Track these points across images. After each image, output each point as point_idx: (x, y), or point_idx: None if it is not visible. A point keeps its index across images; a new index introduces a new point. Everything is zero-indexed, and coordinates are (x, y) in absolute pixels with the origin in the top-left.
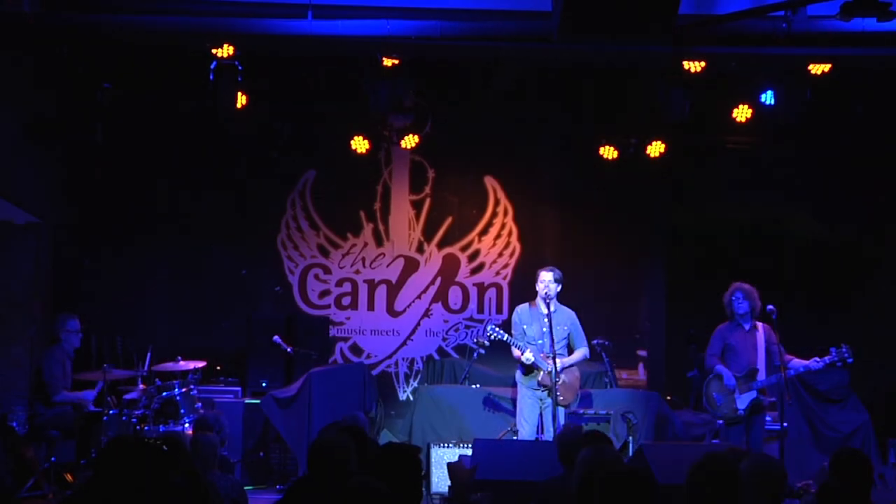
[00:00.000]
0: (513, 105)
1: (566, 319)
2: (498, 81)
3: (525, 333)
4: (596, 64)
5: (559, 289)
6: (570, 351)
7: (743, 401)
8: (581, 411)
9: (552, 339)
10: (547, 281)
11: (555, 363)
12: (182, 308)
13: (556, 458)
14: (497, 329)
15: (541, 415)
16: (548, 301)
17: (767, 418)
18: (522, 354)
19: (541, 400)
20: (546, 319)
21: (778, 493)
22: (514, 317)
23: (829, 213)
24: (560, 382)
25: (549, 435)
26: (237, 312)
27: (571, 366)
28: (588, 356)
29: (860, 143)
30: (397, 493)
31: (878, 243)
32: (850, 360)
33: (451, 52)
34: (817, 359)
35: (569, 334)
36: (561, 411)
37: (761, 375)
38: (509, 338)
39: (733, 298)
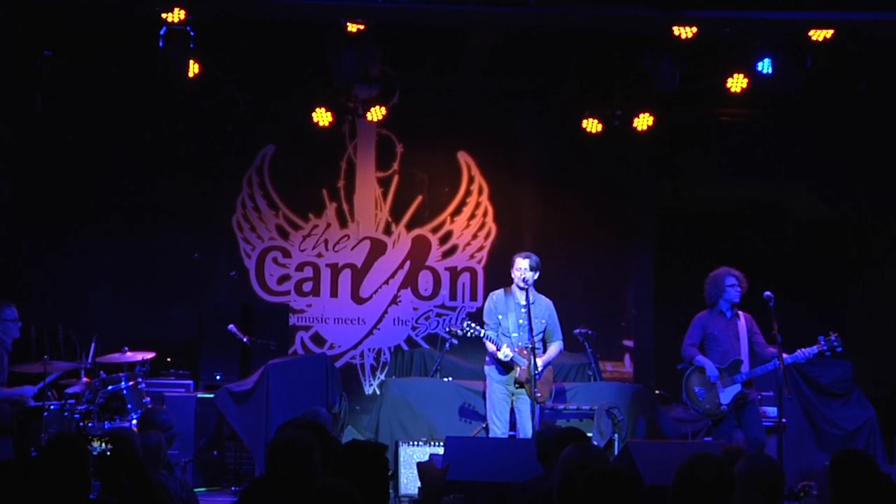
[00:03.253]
0: (488, 75)
1: (544, 311)
2: (472, 49)
3: (500, 324)
4: (577, 30)
5: (536, 276)
6: (545, 343)
7: (727, 395)
8: (562, 407)
9: (531, 332)
10: (523, 268)
11: (534, 358)
12: (129, 295)
13: (534, 458)
14: (473, 325)
15: (513, 410)
16: (525, 290)
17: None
18: (499, 350)
19: (512, 394)
20: (524, 310)
21: (776, 495)
22: (489, 303)
23: (832, 191)
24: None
25: (524, 433)
26: (189, 299)
27: (549, 363)
28: (563, 350)
29: (864, 115)
30: (362, 496)
31: (884, 225)
32: (839, 349)
33: (421, 17)
34: (803, 350)
35: (546, 327)
36: (537, 409)
37: (745, 367)
38: (485, 333)
39: (728, 285)
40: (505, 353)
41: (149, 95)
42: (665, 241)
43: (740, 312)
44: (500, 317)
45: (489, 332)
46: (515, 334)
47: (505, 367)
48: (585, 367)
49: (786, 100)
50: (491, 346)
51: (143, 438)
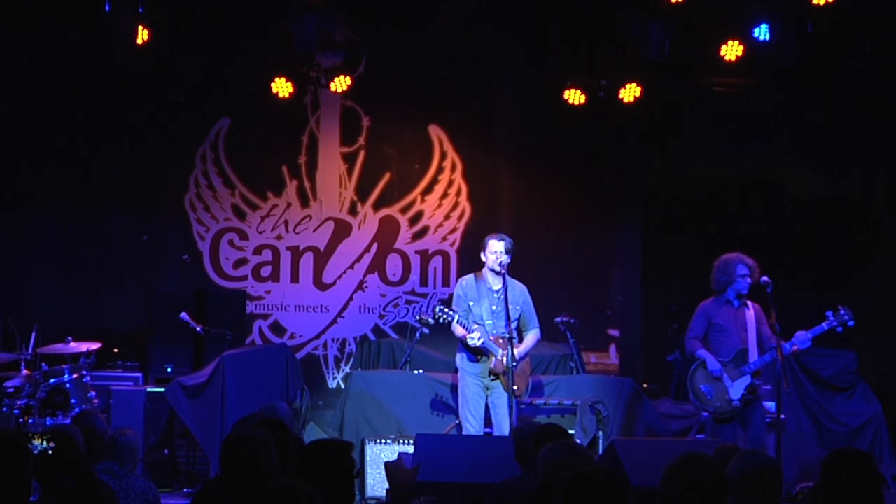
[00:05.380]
0: (462, 42)
1: (519, 297)
2: (445, 14)
3: (470, 311)
4: None
5: (510, 260)
6: (520, 332)
7: (737, 389)
8: (542, 402)
9: (508, 320)
10: (499, 251)
11: (511, 348)
12: (72, 280)
13: (511, 457)
14: (445, 310)
15: (487, 406)
16: (500, 274)
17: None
18: (469, 334)
19: (486, 388)
20: (497, 296)
21: (773, 497)
22: (458, 290)
23: (834, 167)
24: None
25: (500, 430)
26: (137, 285)
27: (526, 354)
28: (540, 339)
29: (869, 85)
30: (324, 497)
31: (891, 203)
32: (850, 323)
33: None
34: (814, 329)
35: (521, 314)
36: (514, 404)
37: (752, 356)
38: (458, 319)
39: (739, 275)
40: (474, 338)
41: (94, 64)
42: (654, 222)
43: (749, 302)
44: (471, 303)
45: (462, 318)
46: (490, 322)
47: (477, 356)
48: (567, 359)
49: (784, 69)
50: (459, 329)
51: (120, 437)
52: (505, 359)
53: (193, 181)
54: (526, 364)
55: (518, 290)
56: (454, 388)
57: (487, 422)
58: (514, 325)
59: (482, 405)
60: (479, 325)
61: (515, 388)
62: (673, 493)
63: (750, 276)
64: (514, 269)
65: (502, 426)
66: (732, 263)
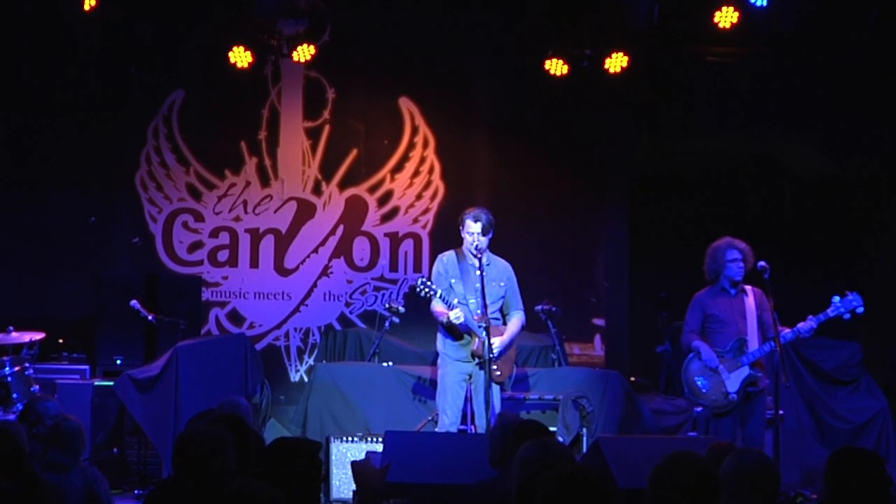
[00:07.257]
0: (435, 7)
1: (502, 274)
2: None
3: (452, 289)
4: None
5: (490, 236)
6: (503, 314)
7: (734, 381)
8: (522, 396)
9: (484, 304)
10: (475, 233)
11: (488, 331)
12: (14, 265)
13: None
14: (429, 283)
15: (468, 398)
16: (479, 255)
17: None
18: (450, 311)
19: (469, 375)
20: (478, 273)
21: (769, 500)
22: (438, 266)
23: (837, 144)
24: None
25: (480, 425)
26: (84, 270)
27: (512, 340)
28: (525, 323)
29: (875, 54)
30: (284, 499)
31: None
32: (860, 310)
33: None
34: (813, 316)
35: (504, 293)
36: (496, 392)
37: (752, 346)
38: (440, 294)
39: (729, 260)
40: (457, 315)
41: (38, 32)
42: (642, 202)
43: (748, 288)
44: (452, 281)
45: (445, 295)
46: (473, 301)
47: (459, 338)
48: (549, 350)
49: (783, 37)
50: (439, 306)
51: (64, 423)
52: (485, 344)
53: (145, 158)
54: (512, 350)
55: (501, 267)
56: (427, 382)
57: (465, 418)
58: (496, 307)
59: (462, 397)
60: (463, 304)
61: (498, 372)
62: (661, 495)
63: (742, 260)
64: (491, 248)
65: (482, 420)
66: (721, 249)
